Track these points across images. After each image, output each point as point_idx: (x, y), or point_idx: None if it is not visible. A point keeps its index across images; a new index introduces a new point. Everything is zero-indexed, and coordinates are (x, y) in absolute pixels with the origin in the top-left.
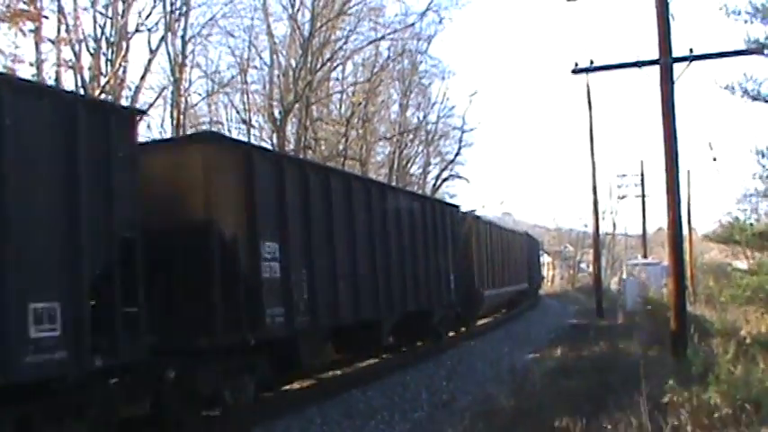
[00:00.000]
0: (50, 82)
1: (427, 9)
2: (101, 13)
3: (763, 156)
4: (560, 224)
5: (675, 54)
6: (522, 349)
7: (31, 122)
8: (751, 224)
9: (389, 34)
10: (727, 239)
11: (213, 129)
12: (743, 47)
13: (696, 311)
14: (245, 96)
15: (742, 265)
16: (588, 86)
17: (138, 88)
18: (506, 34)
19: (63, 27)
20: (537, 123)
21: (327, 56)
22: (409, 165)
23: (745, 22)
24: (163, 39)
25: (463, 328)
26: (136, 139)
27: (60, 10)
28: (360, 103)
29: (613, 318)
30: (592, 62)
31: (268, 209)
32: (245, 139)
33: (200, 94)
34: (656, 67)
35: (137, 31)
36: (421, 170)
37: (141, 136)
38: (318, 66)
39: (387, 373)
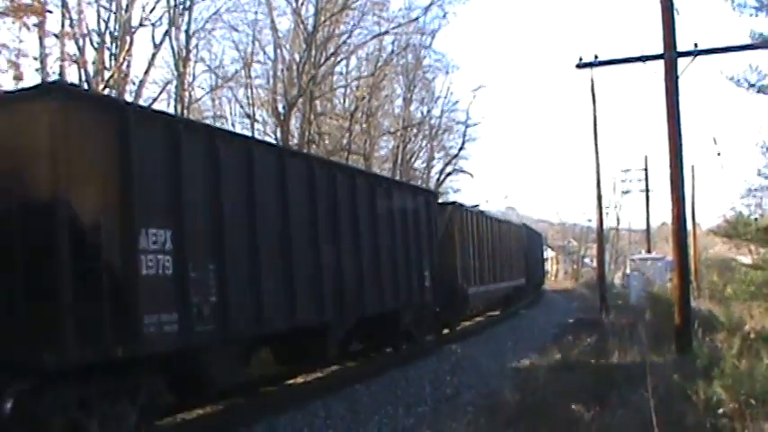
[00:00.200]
0: (54, 76)
1: (431, 3)
2: (104, 8)
3: None
4: (564, 219)
5: (680, 49)
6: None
7: None
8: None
9: (393, 29)
10: (732, 234)
11: (217, 124)
12: (747, 41)
13: (700, 306)
14: (249, 91)
15: (746, 260)
16: (592, 81)
17: (141, 82)
18: (510, 29)
19: (67, 21)
20: (541, 118)
21: (331, 50)
22: (413, 159)
23: (751, 15)
24: (167, 33)
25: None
26: None
27: (64, 4)
28: (363, 98)
29: (617, 313)
30: (596, 57)
31: (153, 187)
32: (249, 134)
33: (203, 89)
34: (661, 62)
35: (141, 25)
36: (425, 165)
37: None
38: (322, 60)
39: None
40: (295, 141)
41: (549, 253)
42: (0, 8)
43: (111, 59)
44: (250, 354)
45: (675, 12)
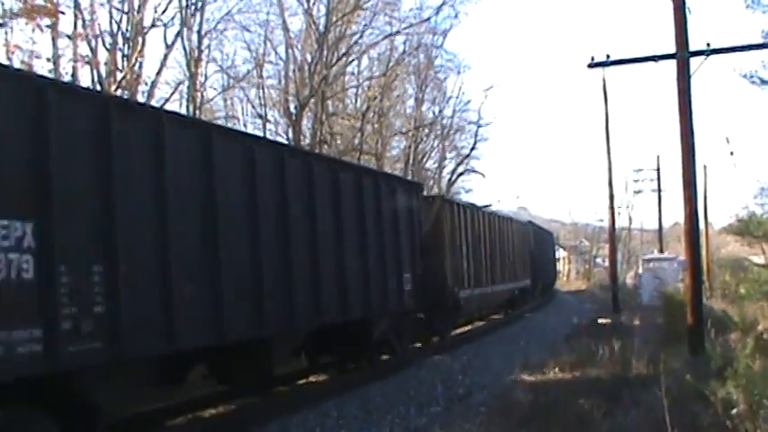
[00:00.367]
0: (67, 77)
1: (443, 3)
2: (117, 9)
3: None
4: (576, 219)
5: (692, 48)
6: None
7: None
8: None
9: (405, 29)
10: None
11: (229, 124)
12: (760, 40)
13: (713, 306)
14: (261, 91)
15: (759, 260)
16: (604, 81)
17: (154, 83)
18: (522, 28)
19: (80, 22)
20: (553, 118)
21: (343, 50)
22: (425, 159)
23: (764, 12)
24: (179, 34)
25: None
26: None
27: (77, 5)
28: (375, 98)
29: (630, 313)
30: (608, 56)
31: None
32: (260, 134)
33: (215, 89)
34: (673, 62)
35: (153, 26)
36: (436, 165)
37: None
38: (334, 60)
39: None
40: (307, 141)
41: (561, 253)
42: (14, 10)
43: (123, 60)
44: (155, 378)
45: (687, 11)
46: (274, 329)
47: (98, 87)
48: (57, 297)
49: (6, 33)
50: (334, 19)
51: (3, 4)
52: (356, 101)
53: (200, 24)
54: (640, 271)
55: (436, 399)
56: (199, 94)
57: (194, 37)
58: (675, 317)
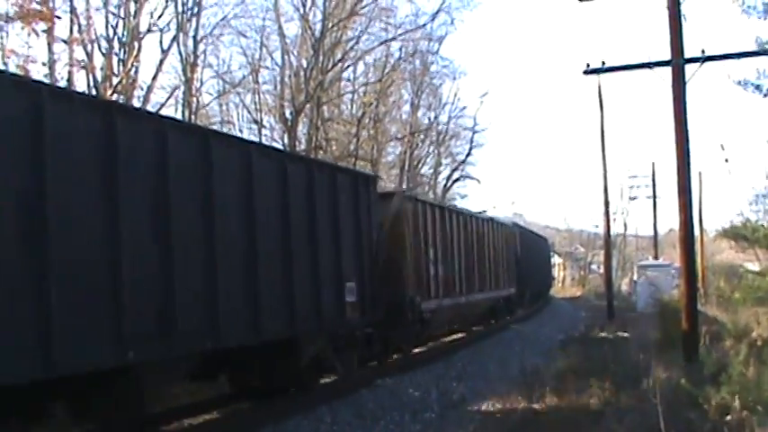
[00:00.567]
0: (63, 82)
1: (439, 10)
2: (113, 14)
3: None
4: (571, 225)
5: (687, 55)
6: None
7: None
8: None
9: (401, 35)
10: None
11: (224, 129)
12: (754, 46)
13: (707, 312)
14: (257, 96)
15: (754, 266)
16: (600, 87)
17: (149, 88)
18: (517, 35)
19: (75, 27)
20: (548, 124)
21: (339, 56)
22: (420, 165)
23: (759, 17)
24: (174, 39)
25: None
26: None
27: (73, 10)
28: (371, 104)
29: (625, 319)
30: (603, 63)
31: None
32: (256, 140)
33: (211, 94)
34: (668, 68)
35: (149, 31)
36: (432, 171)
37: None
38: (330, 66)
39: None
40: (302, 147)
41: (556, 259)
42: (9, 14)
43: (119, 65)
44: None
45: (683, 18)
46: (142, 355)
47: (94, 92)
48: None
49: (2, 38)
50: (330, 25)
51: None
52: (352, 106)
53: (196, 30)
54: (635, 277)
55: None
56: (194, 99)
57: (190, 42)
58: (670, 323)
